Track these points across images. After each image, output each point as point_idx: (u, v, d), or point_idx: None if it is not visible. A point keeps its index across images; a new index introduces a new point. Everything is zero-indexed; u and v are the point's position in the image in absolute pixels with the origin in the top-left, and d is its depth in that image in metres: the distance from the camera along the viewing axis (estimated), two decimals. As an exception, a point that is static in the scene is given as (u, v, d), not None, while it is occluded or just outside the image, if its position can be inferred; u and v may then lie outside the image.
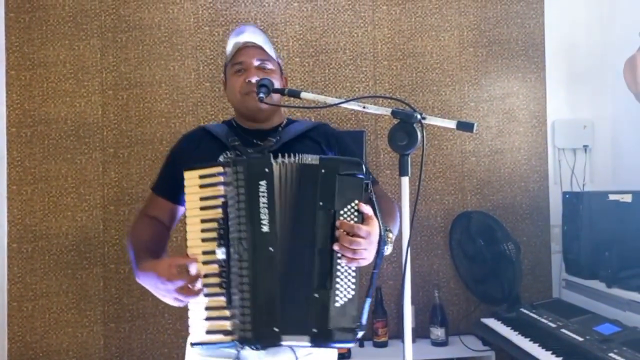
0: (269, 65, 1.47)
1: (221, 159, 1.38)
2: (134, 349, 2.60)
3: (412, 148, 1.17)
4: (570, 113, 2.84)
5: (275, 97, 1.40)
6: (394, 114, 1.19)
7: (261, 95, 1.32)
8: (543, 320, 2.19)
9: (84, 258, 2.60)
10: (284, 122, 1.53)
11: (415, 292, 2.56)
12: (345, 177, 1.19)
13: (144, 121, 2.65)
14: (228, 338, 1.18)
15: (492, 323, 2.34)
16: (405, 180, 1.17)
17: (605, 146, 2.85)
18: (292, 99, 1.38)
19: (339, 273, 1.17)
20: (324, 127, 1.54)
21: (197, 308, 1.21)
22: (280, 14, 2.73)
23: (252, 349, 1.23)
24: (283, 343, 1.18)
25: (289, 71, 2.69)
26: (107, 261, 2.61)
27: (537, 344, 1.98)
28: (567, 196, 2.57)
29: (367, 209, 1.19)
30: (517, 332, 2.15)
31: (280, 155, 1.24)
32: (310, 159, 1.22)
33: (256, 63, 1.45)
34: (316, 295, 1.16)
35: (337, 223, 1.17)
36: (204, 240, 1.21)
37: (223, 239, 1.19)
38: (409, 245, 1.16)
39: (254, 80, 1.41)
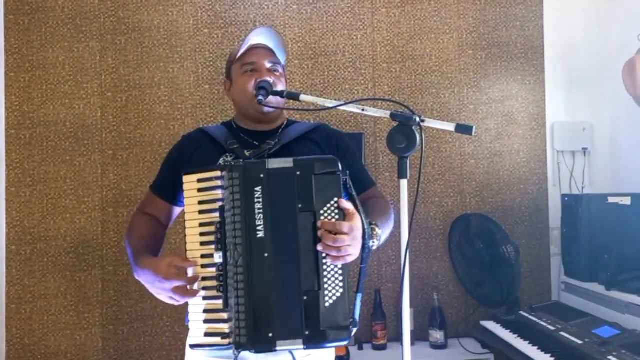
0: (280, 69, 1.48)
1: (221, 162, 1.38)
2: (133, 351, 2.59)
3: (411, 150, 1.17)
4: (569, 116, 2.84)
5: (278, 99, 1.41)
6: (393, 116, 1.20)
7: (260, 97, 1.33)
8: (542, 323, 2.19)
9: (83, 260, 2.60)
10: (284, 123, 1.53)
11: (414, 294, 2.56)
12: (322, 176, 1.20)
13: (143, 123, 2.65)
14: (225, 341, 1.19)
15: (491, 326, 2.34)
16: (404, 183, 1.18)
17: (604, 149, 2.85)
18: (290, 101, 1.38)
19: (325, 273, 1.18)
20: (324, 128, 1.53)
21: (196, 310, 1.22)
22: (279, 17, 2.73)
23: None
24: (278, 348, 1.18)
25: (288, 73, 2.68)
26: (105, 263, 2.60)
27: (536, 347, 1.99)
28: (566, 199, 2.57)
29: (347, 205, 1.20)
30: (516, 335, 2.15)
31: (279, 157, 1.25)
32: (284, 162, 1.22)
33: (268, 65, 1.45)
34: (305, 297, 1.17)
35: (319, 223, 1.17)
36: (202, 243, 1.23)
37: (221, 243, 1.20)
38: (407, 247, 1.16)
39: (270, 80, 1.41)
